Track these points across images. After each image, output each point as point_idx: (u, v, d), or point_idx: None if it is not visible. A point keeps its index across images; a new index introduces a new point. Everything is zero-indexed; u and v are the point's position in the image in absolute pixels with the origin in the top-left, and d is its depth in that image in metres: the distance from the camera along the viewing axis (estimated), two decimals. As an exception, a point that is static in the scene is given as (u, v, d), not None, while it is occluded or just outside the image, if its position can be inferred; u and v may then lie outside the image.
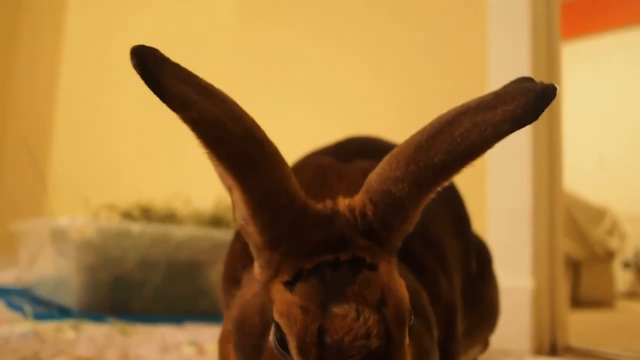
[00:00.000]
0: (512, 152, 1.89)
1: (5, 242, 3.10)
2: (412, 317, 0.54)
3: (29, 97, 4.28)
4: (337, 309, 0.49)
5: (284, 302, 0.51)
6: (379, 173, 0.56)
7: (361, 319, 0.49)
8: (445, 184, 0.55)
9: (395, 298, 0.51)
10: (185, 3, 3.47)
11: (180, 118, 0.51)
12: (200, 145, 0.52)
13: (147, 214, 2.23)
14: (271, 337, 0.53)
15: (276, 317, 0.51)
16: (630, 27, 7.13)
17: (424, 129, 0.55)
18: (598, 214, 4.50)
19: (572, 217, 4.18)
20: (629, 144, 6.89)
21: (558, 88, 0.53)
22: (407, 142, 0.56)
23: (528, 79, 0.55)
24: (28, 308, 1.76)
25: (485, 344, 0.98)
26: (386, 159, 0.56)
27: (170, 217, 2.23)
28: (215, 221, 2.22)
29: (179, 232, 2.05)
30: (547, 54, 1.99)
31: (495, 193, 1.92)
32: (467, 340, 0.84)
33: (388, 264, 0.53)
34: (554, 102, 1.79)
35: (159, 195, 2.34)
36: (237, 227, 0.58)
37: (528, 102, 0.52)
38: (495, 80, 1.98)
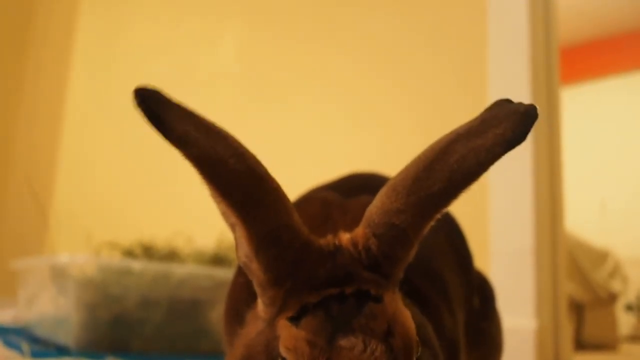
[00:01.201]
0: (514, 194, 1.90)
1: (6, 282, 3.09)
2: (420, 348, 0.54)
3: (33, 134, 4.31)
4: (344, 342, 0.49)
5: (291, 336, 0.51)
6: (378, 206, 0.56)
7: (368, 351, 0.49)
8: (446, 209, 0.56)
9: (402, 329, 0.51)
10: (188, 46, 3.53)
11: (183, 155, 0.52)
12: (203, 182, 0.53)
13: (148, 252, 2.22)
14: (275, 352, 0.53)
15: (283, 352, 0.51)
16: (631, 72, 7.20)
17: (419, 159, 0.56)
18: (600, 256, 4.49)
19: (574, 260, 4.17)
20: (631, 189, 6.91)
21: (539, 108, 0.55)
22: (403, 173, 0.57)
23: (507, 101, 0.56)
24: (25, 346, 1.75)
25: (489, 381, 0.97)
26: (384, 191, 0.57)
27: (171, 256, 2.22)
28: (217, 260, 2.21)
29: (181, 270, 2.04)
30: (547, 99, 2.01)
31: (498, 235, 1.92)
32: (471, 378, 0.83)
33: (393, 295, 0.54)
34: (555, 143, 1.80)
35: (160, 234, 2.34)
36: (240, 264, 0.58)
37: (515, 124, 0.54)
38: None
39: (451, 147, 0.55)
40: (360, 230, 0.57)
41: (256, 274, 0.55)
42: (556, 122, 2.03)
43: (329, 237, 0.57)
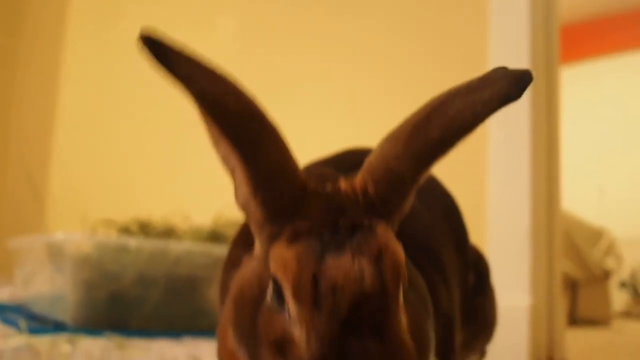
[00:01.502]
0: (512, 173, 1.91)
1: (3, 260, 3.09)
2: (407, 283, 0.55)
3: (28, 112, 4.29)
4: (333, 259, 0.51)
5: (281, 255, 0.52)
6: (378, 153, 0.59)
7: (356, 265, 0.50)
8: (441, 159, 0.58)
9: (392, 255, 0.52)
10: (186, 29, 3.50)
11: (187, 93, 0.53)
12: (205, 121, 0.56)
13: (145, 229, 2.22)
14: (268, 296, 0.54)
15: (272, 268, 0.52)
16: (632, 51, 7.13)
17: (419, 111, 0.59)
18: (595, 235, 4.52)
19: (570, 238, 4.19)
20: (629, 174, 6.92)
21: (537, 86, 0.59)
22: (404, 122, 0.59)
23: (504, 68, 0.59)
24: (23, 323, 1.75)
25: (482, 354, 0.98)
26: (384, 139, 0.59)
27: (168, 233, 2.23)
28: (214, 237, 2.21)
29: (178, 247, 2.05)
30: (546, 78, 2.00)
31: (495, 213, 1.93)
32: (464, 351, 0.84)
33: (386, 228, 0.55)
34: (553, 122, 1.79)
35: (157, 211, 2.34)
36: (239, 207, 0.59)
37: (511, 83, 0.57)
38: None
39: (449, 100, 0.58)
40: (359, 176, 0.59)
41: (254, 214, 0.57)
42: (555, 102, 2.03)
43: (328, 184, 0.59)
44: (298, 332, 0.50)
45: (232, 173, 0.58)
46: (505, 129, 1.95)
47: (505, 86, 0.57)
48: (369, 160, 0.59)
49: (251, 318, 0.55)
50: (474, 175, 2.00)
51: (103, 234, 2.24)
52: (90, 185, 3.65)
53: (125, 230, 2.24)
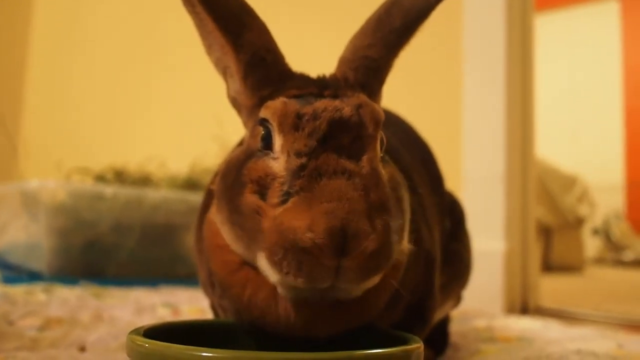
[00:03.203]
0: (487, 121, 1.90)
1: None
2: (385, 144, 0.60)
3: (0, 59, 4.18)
4: (318, 102, 0.57)
5: (270, 104, 0.57)
6: (350, 48, 0.65)
7: (337, 102, 0.57)
8: (406, 46, 0.65)
9: (372, 107, 0.58)
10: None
11: None
12: (199, 19, 0.62)
13: (120, 177, 2.19)
14: (255, 144, 0.58)
15: (262, 114, 0.57)
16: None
17: (377, 10, 0.66)
18: (569, 182, 4.57)
19: (544, 185, 4.24)
20: (601, 118, 6.97)
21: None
22: (366, 21, 0.66)
23: None
24: (-2, 272, 1.74)
25: (458, 299, 0.99)
26: (353, 37, 0.66)
27: (144, 181, 2.20)
28: (190, 184, 2.20)
29: (154, 195, 2.03)
30: (521, 26, 1.98)
31: (470, 160, 1.94)
32: (442, 296, 0.84)
33: (367, 98, 0.60)
34: (527, 69, 1.78)
35: (133, 159, 2.31)
36: (230, 102, 0.65)
37: None
38: (470, 52, 1.97)
39: None
40: (337, 69, 0.64)
41: (244, 102, 0.62)
42: (529, 50, 2.01)
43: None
44: (279, 163, 0.55)
45: (225, 73, 0.64)
46: (481, 77, 1.94)
47: None
48: (342, 56, 0.65)
49: (236, 178, 0.57)
50: (449, 122, 2.00)
51: (78, 182, 2.21)
52: (64, 132, 3.59)
53: (101, 178, 2.21)
